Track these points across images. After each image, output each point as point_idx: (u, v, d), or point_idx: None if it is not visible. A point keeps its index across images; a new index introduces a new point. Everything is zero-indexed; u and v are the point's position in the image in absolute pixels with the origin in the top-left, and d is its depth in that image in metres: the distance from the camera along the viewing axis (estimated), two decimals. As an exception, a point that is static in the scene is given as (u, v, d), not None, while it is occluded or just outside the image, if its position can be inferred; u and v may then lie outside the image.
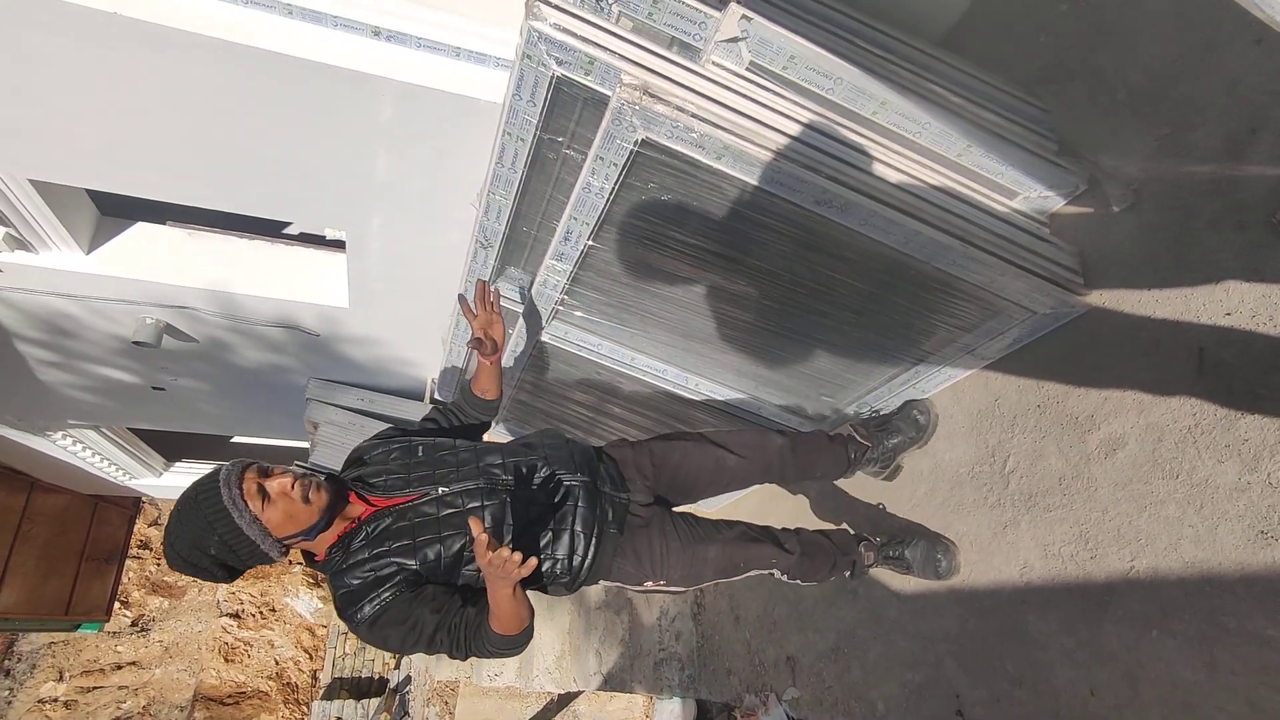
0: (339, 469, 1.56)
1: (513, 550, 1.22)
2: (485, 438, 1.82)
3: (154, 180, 2.30)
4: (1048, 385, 1.68)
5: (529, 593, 1.46)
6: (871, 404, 2.12)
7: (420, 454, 1.54)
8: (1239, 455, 1.29)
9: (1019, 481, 1.74)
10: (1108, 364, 1.55)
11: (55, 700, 8.17)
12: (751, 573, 1.76)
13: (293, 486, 1.30)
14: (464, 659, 1.42)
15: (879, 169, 1.49)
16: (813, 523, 2.46)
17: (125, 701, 8.27)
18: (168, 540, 1.30)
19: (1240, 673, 1.26)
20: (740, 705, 2.82)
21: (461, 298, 1.68)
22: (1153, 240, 1.49)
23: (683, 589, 1.75)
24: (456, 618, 1.36)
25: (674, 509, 1.78)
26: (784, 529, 1.89)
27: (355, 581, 1.36)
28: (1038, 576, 1.66)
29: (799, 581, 1.86)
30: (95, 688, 8.33)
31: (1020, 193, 1.65)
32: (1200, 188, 1.41)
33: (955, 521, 1.92)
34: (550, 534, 1.51)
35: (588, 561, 1.52)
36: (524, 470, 1.53)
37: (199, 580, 1.36)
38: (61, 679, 8.28)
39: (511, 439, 1.72)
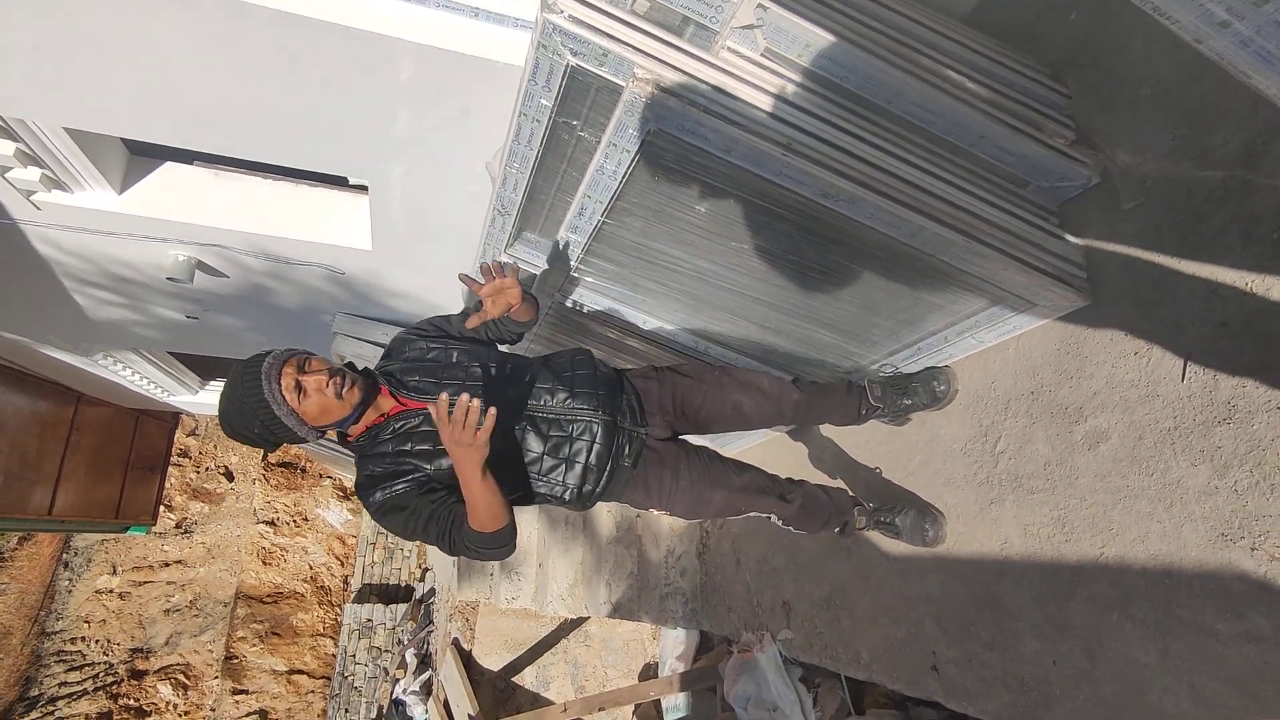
0: None
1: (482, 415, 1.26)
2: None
3: (184, 131, 2.34)
4: (1042, 373, 1.73)
5: (542, 507, 1.59)
6: (894, 364, 2.15)
7: (454, 359, 1.65)
8: (1211, 461, 1.35)
9: (1007, 462, 1.81)
10: (1100, 359, 1.59)
11: (110, 591, 8.86)
12: (752, 514, 1.91)
13: (328, 384, 1.43)
14: (450, 553, 1.52)
15: (888, 161, 1.50)
16: (814, 473, 2.58)
17: (174, 595, 8.94)
18: (221, 413, 1.47)
19: (1188, 660, 1.36)
20: (738, 641, 3.03)
21: (462, 276, 1.68)
22: (1159, 241, 1.50)
23: (685, 519, 1.88)
24: (445, 510, 1.46)
25: (690, 440, 1.90)
26: (790, 480, 2.00)
27: (376, 469, 1.51)
28: (1016, 552, 1.76)
29: (792, 528, 2.00)
30: (145, 582, 9.00)
31: (1031, 182, 1.65)
32: (1212, 194, 1.40)
33: (945, 493, 2.01)
34: (564, 464, 1.62)
35: (597, 491, 1.65)
36: (548, 397, 1.63)
37: (247, 447, 1.58)
38: (115, 573, 8.94)
39: (544, 354, 1.80)
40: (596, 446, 1.63)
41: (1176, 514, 1.40)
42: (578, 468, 1.62)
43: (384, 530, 8.15)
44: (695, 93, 1.37)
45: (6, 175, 2.52)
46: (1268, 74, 0.74)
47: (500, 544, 1.45)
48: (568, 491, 1.63)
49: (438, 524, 1.45)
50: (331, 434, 1.56)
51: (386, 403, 1.57)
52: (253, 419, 1.42)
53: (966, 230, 1.52)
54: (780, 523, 1.96)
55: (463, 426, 1.28)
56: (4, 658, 8.31)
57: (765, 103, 1.43)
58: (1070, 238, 1.65)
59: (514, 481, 1.60)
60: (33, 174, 2.56)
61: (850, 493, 2.21)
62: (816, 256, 1.71)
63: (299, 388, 1.43)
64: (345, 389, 1.45)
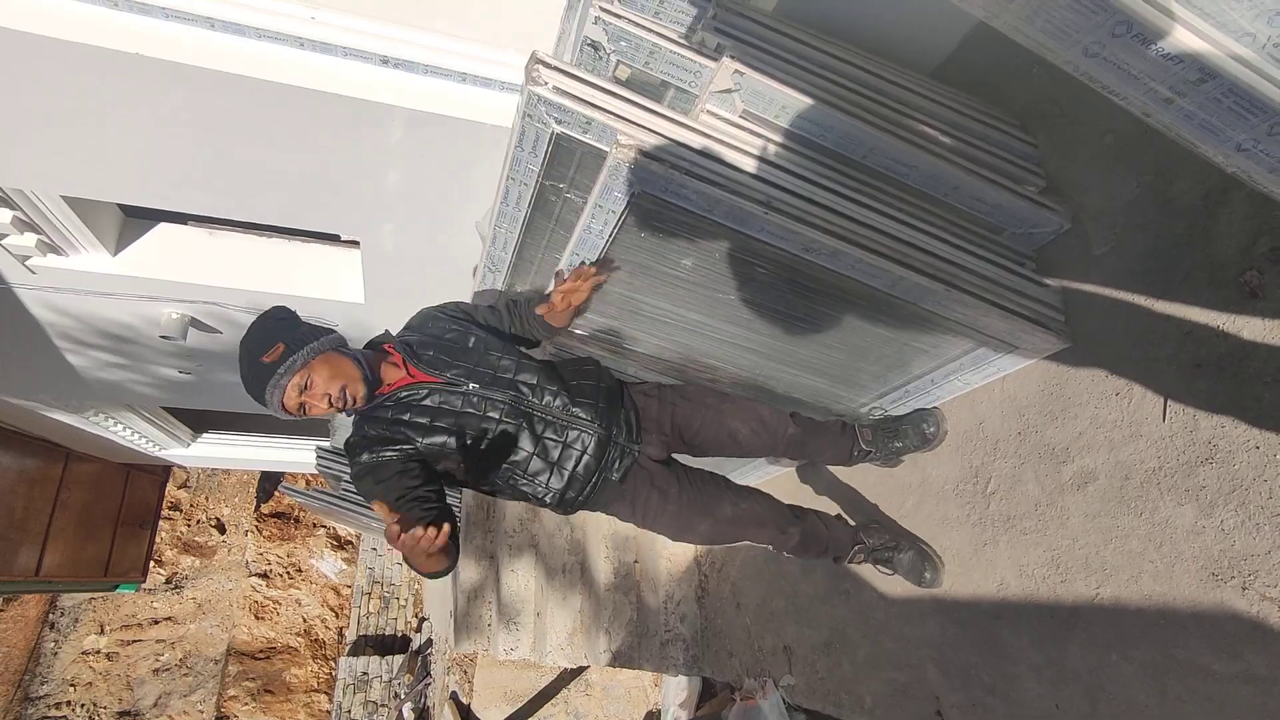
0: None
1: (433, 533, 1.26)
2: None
3: (178, 194, 2.39)
4: (1028, 414, 1.76)
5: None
6: (882, 407, 2.18)
7: (470, 344, 1.71)
8: (1196, 500, 1.37)
9: (999, 503, 1.83)
10: (1084, 400, 1.62)
11: (98, 652, 8.63)
12: (744, 542, 1.93)
13: (329, 406, 1.53)
14: None
15: (866, 214, 1.54)
16: (811, 498, 2.56)
17: (163, 654, 8.72)
18: (240, 370, 1.56)
19: (1186, 700, 1.36)
20: (741, 687, 2.98)
21: (559, 273, 1.69)
22: (1131, 284, 1.54)
23: (671, 540, 1.92)
24: (408, 507, 1.47)
25: (692, 463, 1.95)
26: (794, 513, 1.98)
27: (372, 431, 1.59)
28: (1012, 594, 1.76)
29: (784, 553, 2.01)
30: (134, 641, 8.78)
31: (1006, 229, 1.70)
32: (1177, 239, 1.45)
33: (940, 534, 2.01)
34: (551, 469, 1.67)
35: (579, 499, 1.71)
36: (549, 398, 1.68)
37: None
38: (103, 632, 8.73)
39: (553, 359, 1.83)
40: (587, 458, 1.69)
41: (1167, 554, 1.41)
42: (564, 474, 1.68)
43: (377, 583, 8.03)
44: (677, 156, 1.41)
45: (3, 242, 2.55)
46: (1213, 144, 0.78)
47: (444, 574, 1.55)
48: (550, 495, 1.69)
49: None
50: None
51: (395, 373, 1.64)
52: (255, 399, 1.56)
53: (945, 278, 1.56)
54: (773, 548, 1.98)
55: (415, 552, 1.31)
56: (-13, 726, 8.06)
57: (746, 163, 1.48)
58: (1047, 282, 1.70)
59: (496, 475, 1.67)
60: (29, 240, 2.59)
61: (853, 527, 2.17)
62: (802, 306, 1.74)
63: (301, 405, 1.53)
64: (347, 405, 1.55)
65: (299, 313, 1.65)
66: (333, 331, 1.62)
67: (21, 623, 8.63)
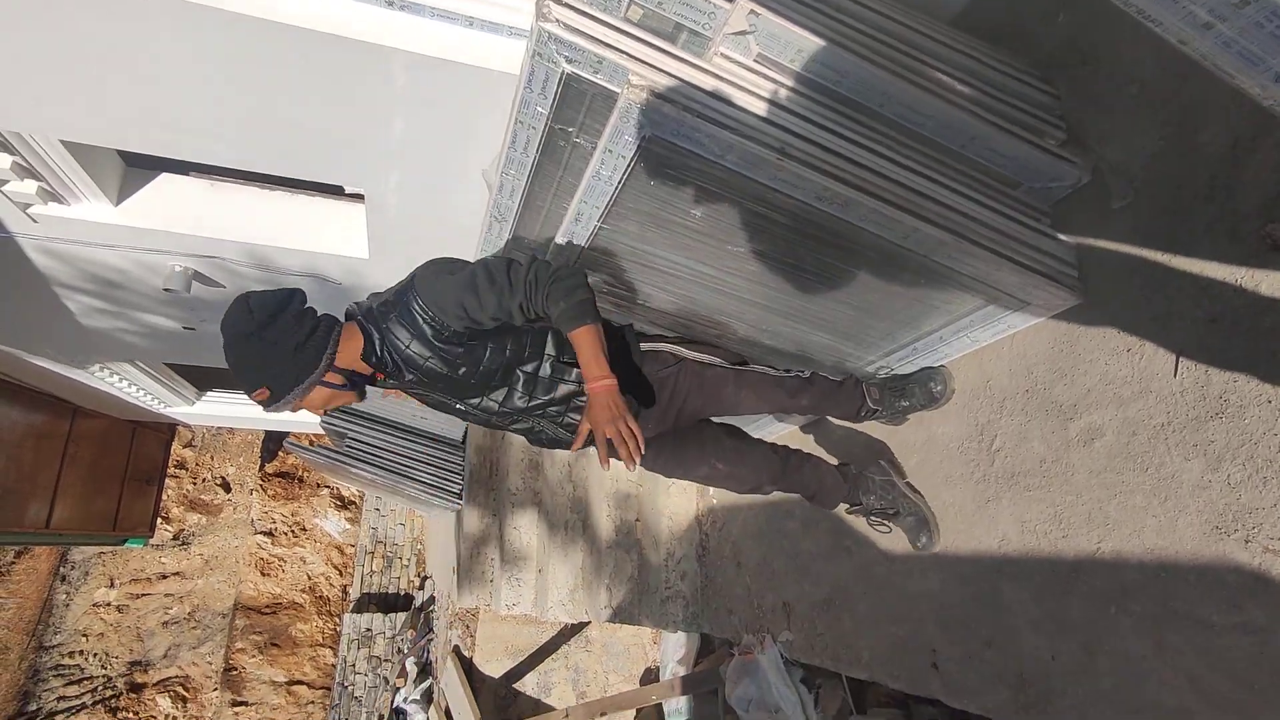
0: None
1: None
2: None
3: (179, 141, 2.35)
4: (1037, 371, 1.75)
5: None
6: (890, 366, 2.16)
7: (460, 374, 1.59)
8: (1204, 455, 1.36)
9: (1003, 460, 1.83)
10: (1094, 356, 1.61)
11: (108, 604, 8.81)
12: (745, 497, 2.02)
13: (320, 410, 1.56)
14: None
15: (881, 164, 1.51)
16: (815, 448, 2.55)
17: (172, 608, 8.90)
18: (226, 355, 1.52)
19: (1185, 652, 1.38)
20: (739, 643, 3.03)
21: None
22: (1148, 239, 1.52)
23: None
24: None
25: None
26: (785, 464, 2.00)
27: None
28: (1013, 549, 1.77)
29: (777, 491, 2.05)
30: (143, 594, 8.95)
31: (1023, 182, 1.67)
32: (1199, 191, 1.43)
33: (943, 491, 2.02)
34: (541, 440, 1.80)
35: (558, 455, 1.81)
36: (538, 406, 1.71)
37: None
38: (112, 586, 8.90)
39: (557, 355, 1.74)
40: (560, 434, 1.76)
41: (1171, 508, 1.42)
42: (549, 443, 1.79)
43: (380, 542, 8.14)
44: (690, 99, 1.38)
45: (3, 189, 2.53)
46: (1251, 74, 0.75)
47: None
48: (534, 439, 1.80)
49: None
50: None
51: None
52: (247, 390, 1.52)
53: (959, 231, 1.53)
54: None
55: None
56: (2, 672, 8.25)
57: (759, 107, 1.45)
58: (1062, 237, 1.67)
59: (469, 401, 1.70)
60: (29, 187, 2.56)
61: (848, 485, 2.11)
62: (811, 259, 1.72)
63: (292, 408, 1.55)
64: (340, 405, 1.60)
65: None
66: (317, 335, 1.50)
67: (34, 575, 8.79)
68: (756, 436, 2.12)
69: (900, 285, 1.73)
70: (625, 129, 1.41)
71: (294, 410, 1.56)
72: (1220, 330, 1.36)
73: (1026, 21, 1.83)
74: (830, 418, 2.18)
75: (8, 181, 2.52)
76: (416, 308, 1.51)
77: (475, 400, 1.69)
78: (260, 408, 1.52)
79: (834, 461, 2.16)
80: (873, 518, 2.11)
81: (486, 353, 1.61)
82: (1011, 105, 1.64)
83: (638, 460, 1.47)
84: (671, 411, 1.87)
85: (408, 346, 1.53)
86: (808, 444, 2.63)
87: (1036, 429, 1.73)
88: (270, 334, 1.45)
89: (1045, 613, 1.67)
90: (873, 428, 2.29)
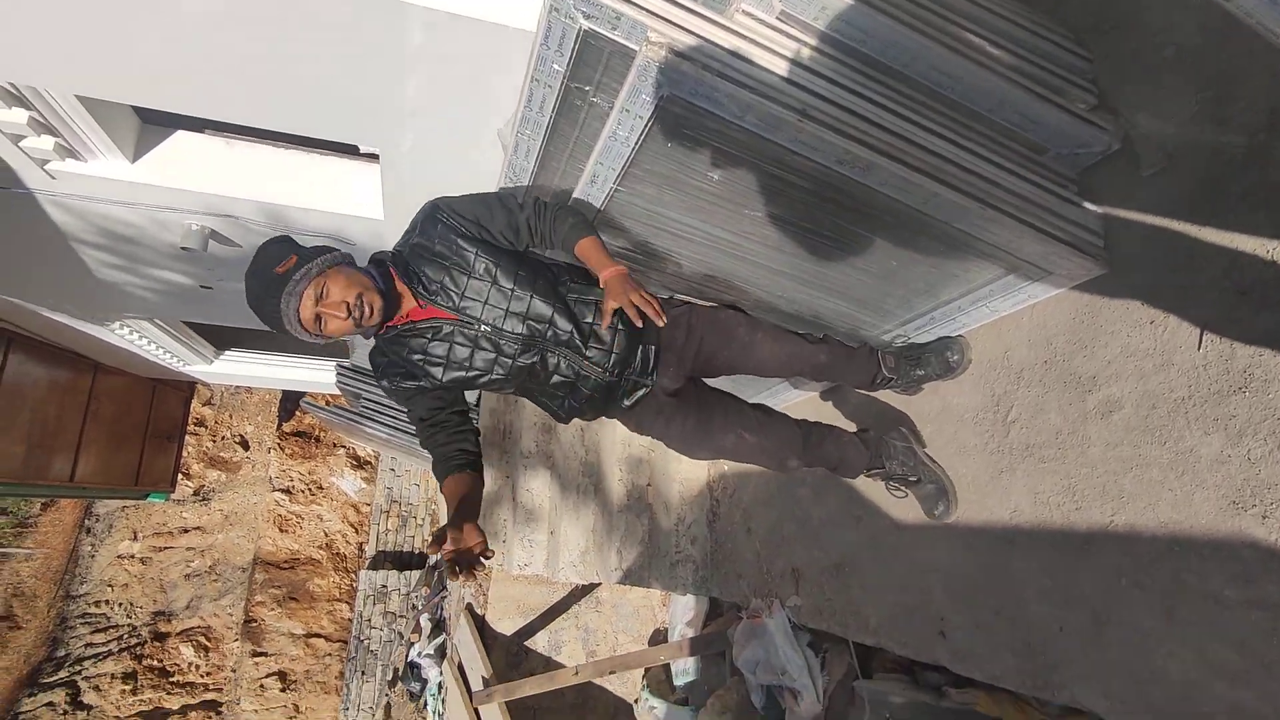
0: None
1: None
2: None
3: (195, 98, 2.34)
4: (1056, 342, 1.72)
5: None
6: (906, 334, 2.14)
7: (476, 266, 1.60)
8: (1225, 430, 1.34)
9: (1019, 432, 1.81)
10: (1115, 328, 1.58)
11: (132, 557, 9.05)
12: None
13: (346, 316, 1.50)
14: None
15: (905, 127, 1.48)
16: (831, 419, 2.53)
17: (193, 561, 9.13)
18: (246, 292, 1.56)
19: (1194, 624, 1.38)
20: (748, 607, 3.07)
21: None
22: (1178, 208, 1.48)
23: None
24: (429, 431, 1.64)
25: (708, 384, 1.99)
26: (806, 438, 1.97)
27: (386, 359, 1.65)
28: (1026, 520, 1.77)
29: (803, 467, 2.02)
30: (166, 548, 9.19)
31: (1050, 148, 1.63)
32: (1234, 160, 1.38)
33: (956, 462, 2.01)
34: (562, 398, 1.74)
35: (585, 418, 1.81)
36: (563, 336, 1.65)
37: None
38: (136, 539, 9.13)
39: (569, 279, 1.75)
40: (596, 394, 1.72)
41: (1188, 482, 1.40)
42: (573, 402, 1.74)
43: (395, 502, 8.28)
44: (709, 57, 1.35)
45: (20, 144, 2.53)
46: (1298, 32, 0.72)
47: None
48: (559, 411, 1.77)
49: (422, 432, 1.65)
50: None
51: (409, 303, 1.62)
52: (269, 322, 1.54)
53: (982, 197, 1.50)
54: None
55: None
56: (32, 619, 8.55)
57: (781, 67, 1.41)
58: (1088, 205, 1.63)
59: (508, 389, 1.72)
60: (46, 142, 2.56)
61: (868, 452, 2.07)
62: (830, 224, 1.69)
63: (318, 318, 1.51)
64: (365, 317, 1.52)
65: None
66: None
67: (60, 527, 9.04)
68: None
69: (919, 252, 1.70)
70: (643, 88, 1.38)
71: (320, 298, 1.48)
72: (1249, 303, 1.33)
73: (1062, -21, 1.77)
74: (845, 385, 2.16)
75: (25, 137, 2.52)
76: (439, 217, 1.63)
77: (501, 309, 1.61)
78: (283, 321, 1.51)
79: (853, 428, 2.14)
80: (891, 483, 2.10)
81: (505, 257, 1.65)
82: (1041, 67, 1.59)
83: (665, 317, 1.54)
84: (690, 350, 1.83)
85: (434, 244, 1.61)
86: (826, 411, 2.63)
87: (1054, 400, 1.72)
88: (293, 242, 1.59)
89: (1055, 584, 1.67)
90: (889, 397, 2.28)
